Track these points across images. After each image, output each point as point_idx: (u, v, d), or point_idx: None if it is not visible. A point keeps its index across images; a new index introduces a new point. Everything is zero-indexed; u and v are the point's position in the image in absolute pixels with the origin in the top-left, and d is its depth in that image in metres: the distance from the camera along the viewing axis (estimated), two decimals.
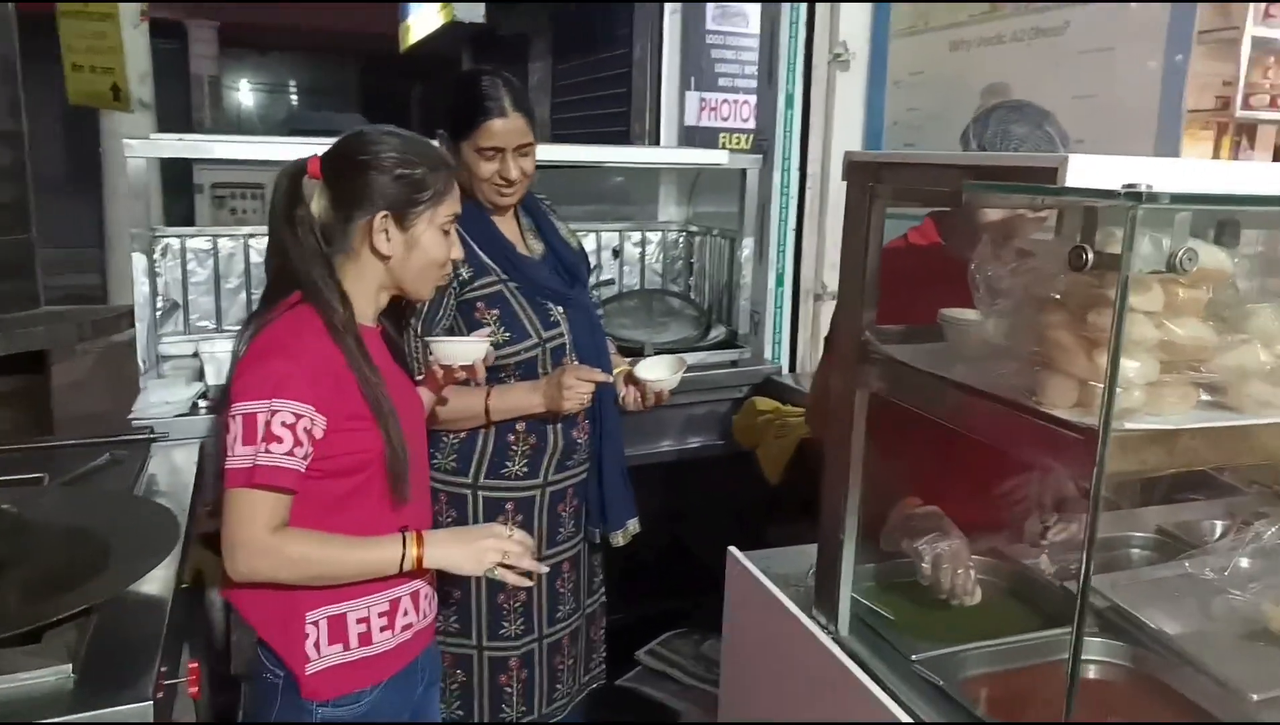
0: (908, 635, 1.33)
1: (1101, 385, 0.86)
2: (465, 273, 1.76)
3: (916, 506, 1.51)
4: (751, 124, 4.62)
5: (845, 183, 1.22)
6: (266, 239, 2.80)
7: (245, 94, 11.01)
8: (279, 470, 1.28)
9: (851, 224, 1.21)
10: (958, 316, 1.13)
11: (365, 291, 1.43)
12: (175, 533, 1.43)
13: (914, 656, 1.26)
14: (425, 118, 8.77)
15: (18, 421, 2.97)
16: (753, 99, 4.62)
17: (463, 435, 1.81)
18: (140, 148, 2.28)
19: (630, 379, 1.82)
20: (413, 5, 7.02)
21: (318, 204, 1.40)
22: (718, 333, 3.01)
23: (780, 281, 3.29)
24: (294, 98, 10.76)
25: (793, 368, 3.29)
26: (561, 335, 1.84)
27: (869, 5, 3.19)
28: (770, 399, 2.80)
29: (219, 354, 2.51)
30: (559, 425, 1.84)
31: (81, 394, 3.52)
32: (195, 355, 2.62)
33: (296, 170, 1.40)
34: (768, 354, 3.19)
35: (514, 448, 1.82)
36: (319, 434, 1.31)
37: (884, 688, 1.20)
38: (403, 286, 1.45)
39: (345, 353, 1.35)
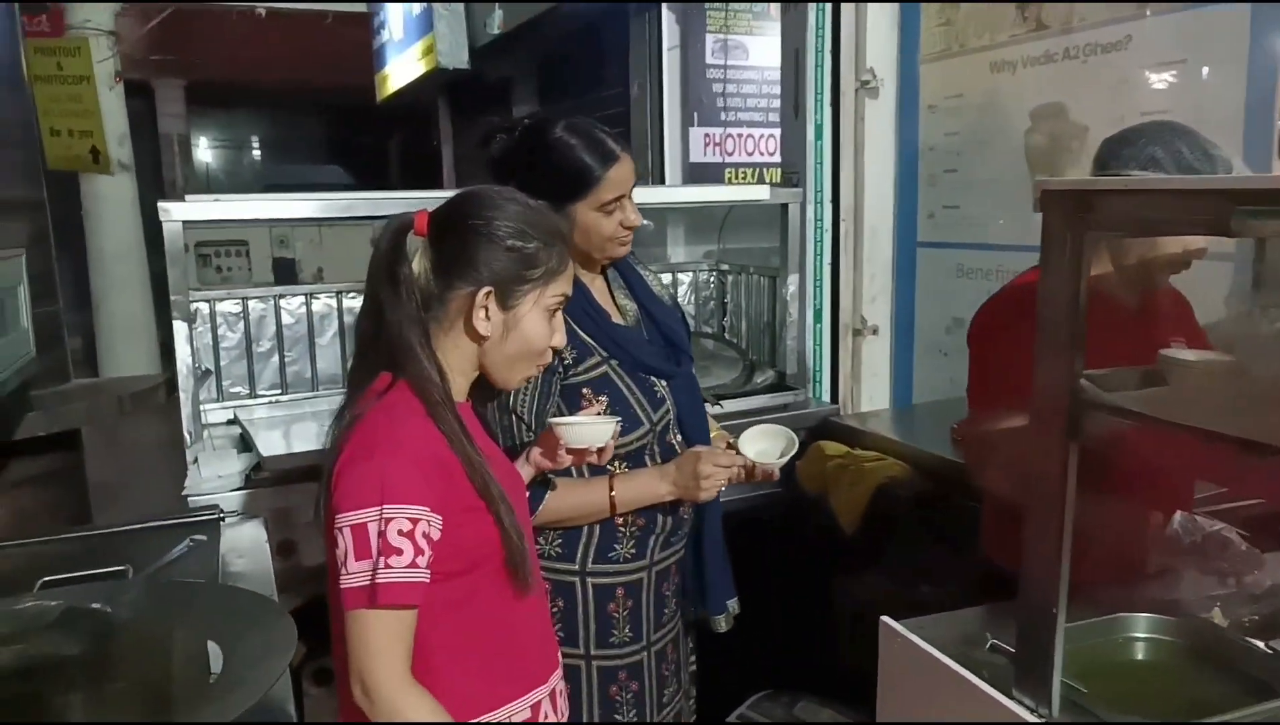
0: (1101, 706, 1.19)
1: None
2: (569, 356, 1.59)
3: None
4: (759, 157, 4.54)
5: (1042, 214, 1.09)
6: (300, 298, 2.79)
7: (208, 151, 10.79)
8: (403, 587, 1.11)
9: (1053, 260, 1.08)
10: (1198, 359, 1.00)
11: (459, 366, 1.28)
12: (290, 631, 1.24)
13: None
14: (404, 167, 8.62)
15: (55, 503, 2.77)
16: (758, 132, 4.55)
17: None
18: (177, 211, 2.12)
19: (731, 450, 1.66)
20: (390, 54, 6.89)
21: (419, 265, 1.25)
22: (765, 376, 2.87)
23: (819, 318, 3.18)
24: (256, 153, 10.56)
25: (834, 403, 3.17)
26: (667, 413, 1.68)
27: (894, 29, 3.12)
28: (835, 442, 2.66)
29: (257, 420, 2.49)
30: (667, 502, 1.68)
31: (107, 468, 3.30)
32: (233, 421, 2.53)
33: (401, 225, 1.24)
34: (810, 393, 3.06)
35: (622, 530, 1.66)
36: (436, 535, 1.15)
37: None
38: (491, 372, 1.30)
39: (447, 434, 1.19)
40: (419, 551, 1.11)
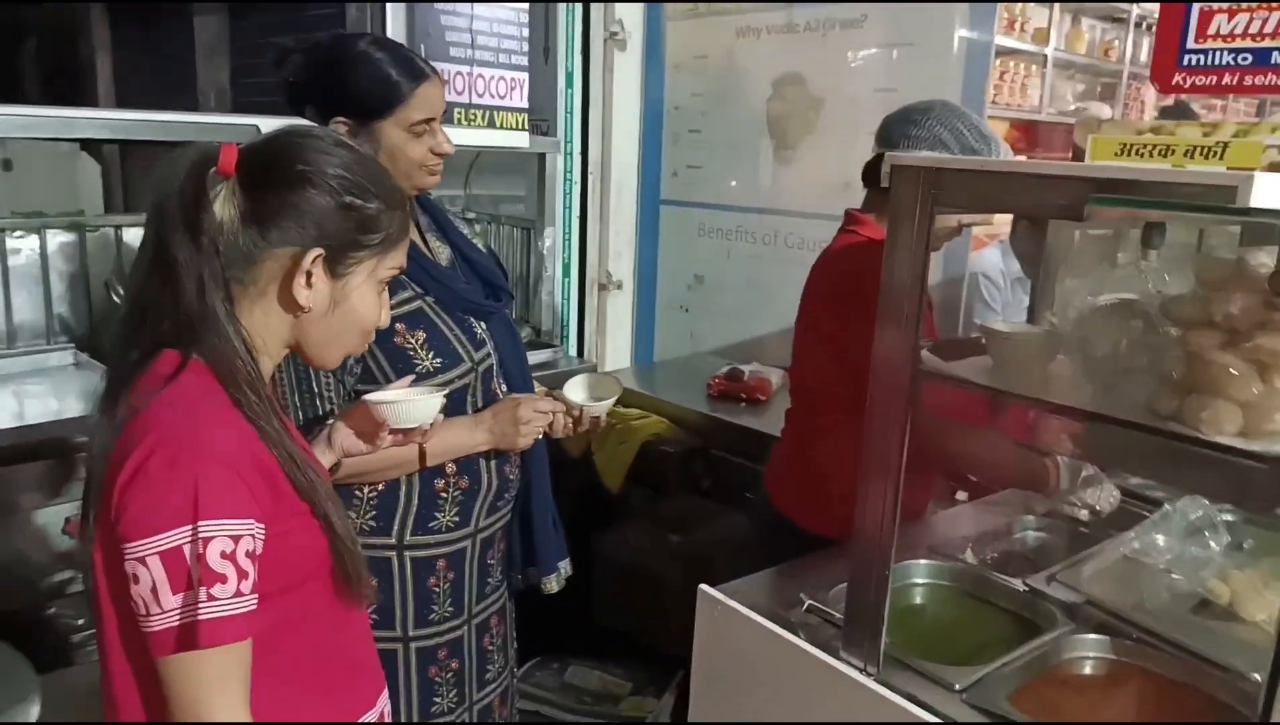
0: (908, 655, 1.28)
1: None
2: None
3: None
4: (489, 100, 4.36)
5: (891, 188, 1.10)
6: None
7: None
8: (231, 621, 0.89)
9: (901, 234, 1.10)
10: (1023, 331, 1.07)
11: (266, 343, 1.04)
12: (30, 679, 0.97)
13: (958, 685, 1.21)
14: (46, 80, 7.26)
15: None
16: (489, 73, 4.36)
17: (381, 487, 1.46)
18: None
19: (558, 402, 1.57)
20: None
21: (221, 211, 0.98)
22: (523, 331, 2.77)
23: (567, 271, 3.13)
24: None
25: (581, 357, 3.16)
26: (489, 354, 1.55)
27: None
28: None
29: None
30: (494, 462, 1.55)
31: None
32: None
33: (202, 158, 0.97)
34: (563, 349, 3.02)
35: (444, 494, 1.50)
36: (260, 549, 0.94)
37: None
38: (306, 349, 1.07)
39: (260, 426, 0.97)
40: (243, 575, 0.90)
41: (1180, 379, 0.92)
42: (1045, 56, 3.64)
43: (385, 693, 1.17)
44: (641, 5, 3.10)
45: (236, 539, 0.90)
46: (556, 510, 1.71)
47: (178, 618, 0.88)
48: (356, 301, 1.05)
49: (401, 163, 1.45)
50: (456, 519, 1.53)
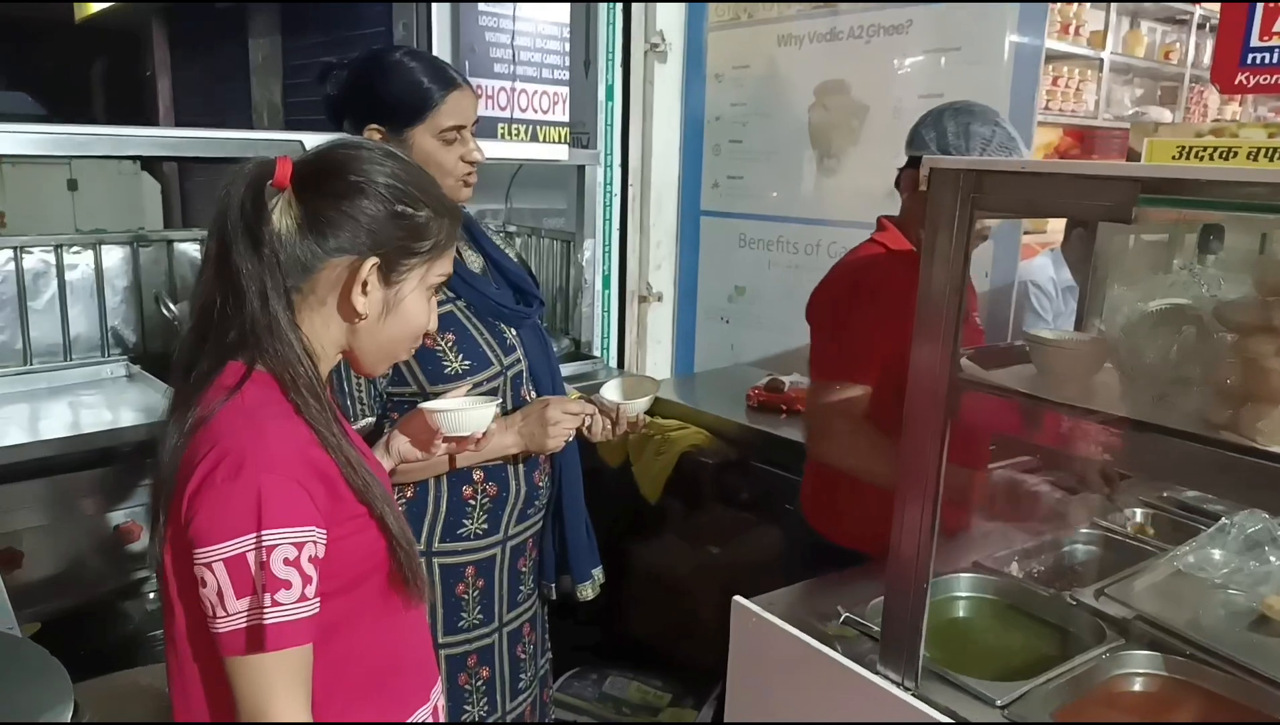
0: (955, 672, 1.25)
1: None
2: None
3: None
4: (532, 114, 4.41)
5: (929, 193, 1.08)
6: (7, 252, 2.30)
7: None
8: (295, 625, 0.91)
9: (939, 239, 1.07)
10: (1068, 339, 1.04)
11: (324, 350, 1.07)
12: (64, 682, 0.99)
13: (999, 702, 1.18)
14: (110, 99, 7.51)
15: None
16: (533, 88, 4.40)
17: (410, 493, 1.48)
18: None
19: (595, 405, 1.57)
20: None
21: (280, 223, 1.01)
22: (562, 344, 2.78)
23: (607, 284, 3.13)
24: None
25: (621, 368, 3.16)
26: (519, 360, 1.56)
27: None
28: None
29: None
30: (521, 468, 1.55)
31: None
32: None
33: (260, 173, 1.00)
34: (602, 361, 3.02)
35: (472, 502, 1.51)
36: (322, 554, 0.96)
37: None
38: (359, 356, 1.10)
39: (320, 432, 0.99)
40: (307, 580, 0.92)
41: (1235, 387, 0.88)
42: (1101, 61, 3.56)
43: (439, 685, 1.19)
44: (682, 16, 3.10)
45: (300, 546, 0.93)
46: (590, 518, 1.70)
47: (245, 620, 0.91)
48: (409, 307, 1.08)
49: (433, 171, 1.45)
50: (485, 526, 1.53)
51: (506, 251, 1.66)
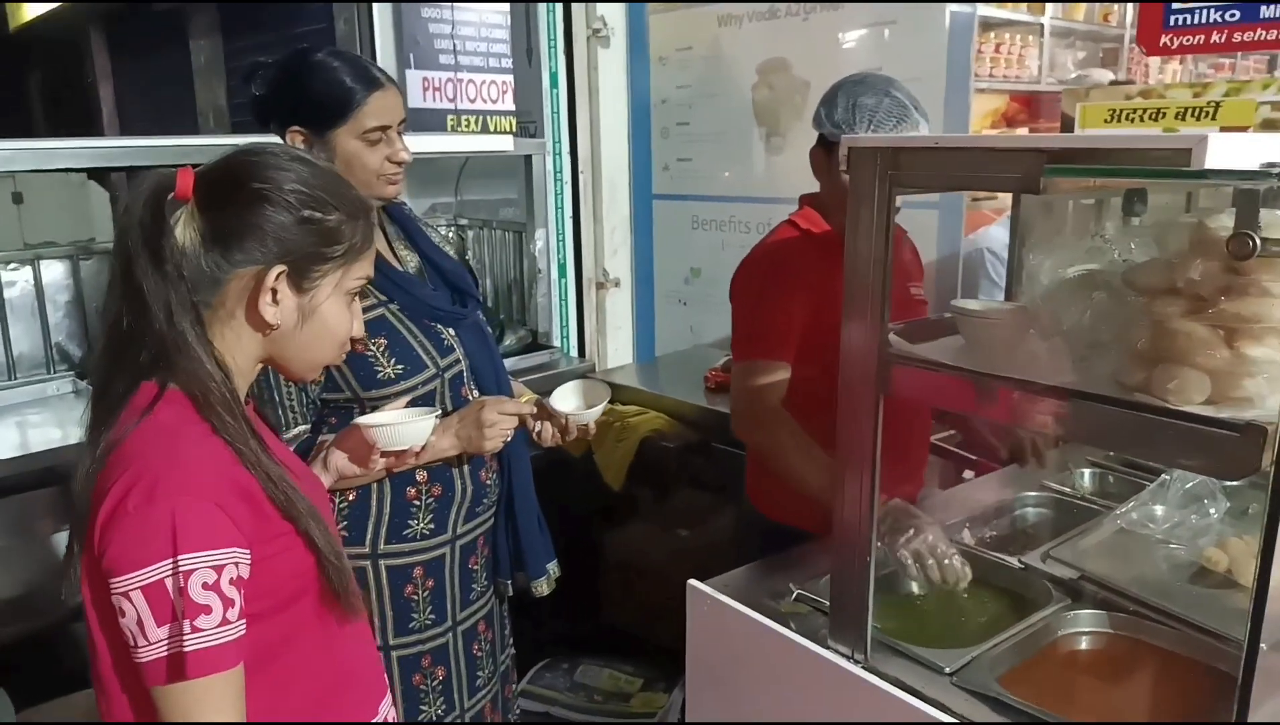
0: (899, 640, 1.27)
1: (1248, 377, 0.81)
2: None
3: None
4: (481, 104, 4.37)
5: (849, 171, 1.09)
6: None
7: None
8: (217, 650, 0.89)
9: (861, 217, 1.08)
10: (992, 309, 1.05)
11: (240, 364, 1.04)
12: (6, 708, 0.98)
13: (947, 669, 1.20)
14: (51, 109, 7.34)
15: None
16: (480, 77, 4.37)
17: (352, 497, 1.47)
18: None
19: (544, 411, 1.57)
20: None
21: (183, 236, 0.99)
22: (519, 334, 2.77)
23: (563, 272, 3.13)
24: None
25: (581, 357, 3.16)
26: (458, 361, 1.55)
27: None
28: None
29: None
30: (466, 468, 1.55)
31: None
32: None
33: (159, 186, 0.97)
34: (561, 350, 3.02)
35: (416, 503, 1.51)
36: (246, 574, 0.94)
37: (941, 708, 1.12)
38: (284, 365, 1.08)
39: (238, 448, 0.97)
40: (228, 603, 0.90)
41: (1146, 349, 0.90)
42: (1041, 25, 3.59)
43: (387, 698, 1.18)
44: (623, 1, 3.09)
45: (219, 569, 0.90)
46: (542, 512, 1.70)
47: (165, 649, 0.89)
48: (326, 314, 1.05)
49: (358, 172, 1.45)
50: (432, 527, 1.53)
51: (446, 249, 1.65)
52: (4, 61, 6.85)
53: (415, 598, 1.53)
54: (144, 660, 0.89)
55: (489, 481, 1.60)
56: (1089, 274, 1.00)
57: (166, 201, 0.97)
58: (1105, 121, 1.96)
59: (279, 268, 1.00)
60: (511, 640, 1.79)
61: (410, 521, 1.51)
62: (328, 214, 1.02)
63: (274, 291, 1.00)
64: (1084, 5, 3.98)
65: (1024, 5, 3.48)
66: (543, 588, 1.69)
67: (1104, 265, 1.00)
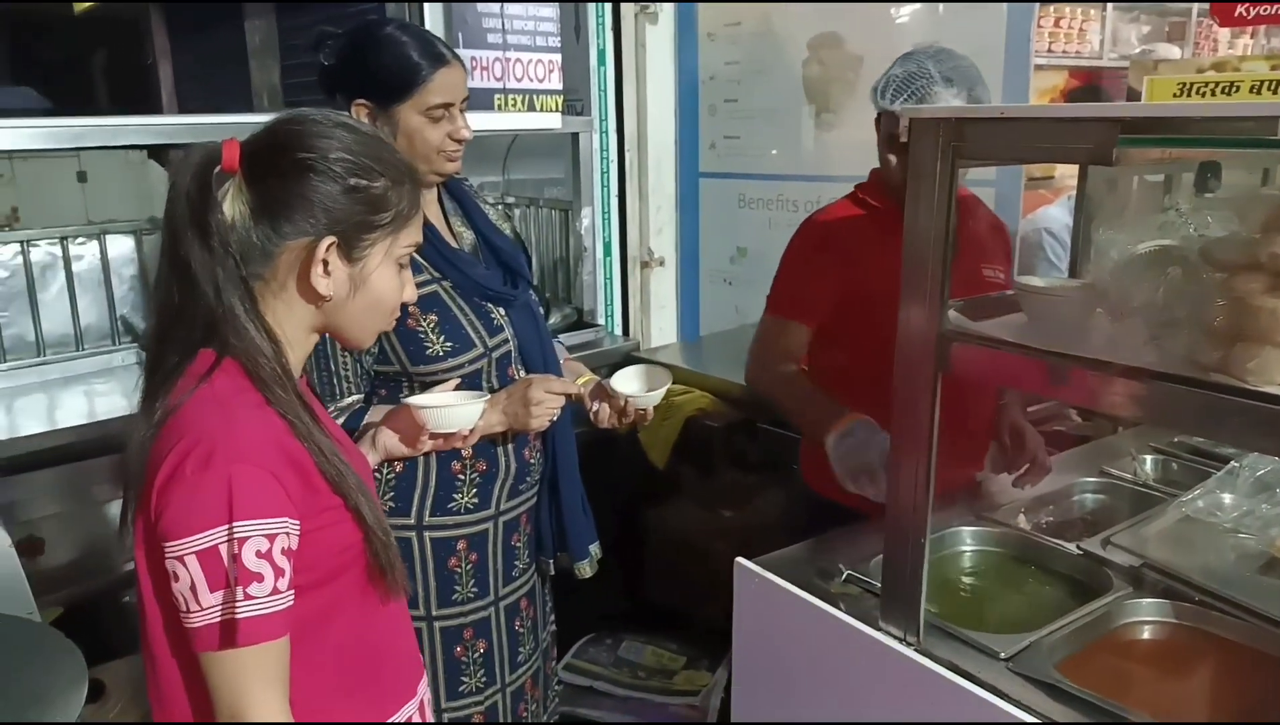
0: (957, 625, 1.24)
1: None
2: None
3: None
4: (528, 83, 4.37)
5: (910, 144, 1.06)
6: (14, 247, 2.32)
7: None
8: (268, 619, 0.90)
9: (922, 190, 1.05)
10: (1057, 285, 1.02)
11: (293, 335, 1.04)
12: (79, 667, 1.01)
13: (1003, 654, 1.17)
14: (113, 88, 7.50)
15: None
16: (528, 56, 4.37)
17: (399, 468, 1.49)
18: None
19: (603, 392, 1.56)
20: None
21: (231, 209, 0.98)
22: (564, 312, 2.77)
23: (608, 250, 3.12)
24: None
25: (626, 336, 3.15)
26: (506, 341, 1.56)
27: None
28: None
29: None
30: (510, 446, 1.56)
31: None
32: None
33: (206, 159, 0.97)
34: (606, 328, 3.01)
35: (461, 477, 1.52)
36: (295, 545, 0.95)
37: (997, 693, 1.10)
38: (340, 332, 1.08)
39: (290, 420, 0.97)
40: (279, 572, 0.91)
41: (1224, 327, 0.86)
42: None
43: (424, 680, 1.18)
44: None
45: (272, 538, 0.91)
46: (586, 493, 1.70)
47: (218, 614, 0.90)
48: (376, 282, 1.05)
49: (419, 147, 1.46)
50: (476, 501, 1.54)
51: (502, 228, 1.65)
52: (69, 43, 7.01)
53: (459, 570, 1.54)
54: (195, 626, 0.90)
55: (533, 460, 1.61)
56: (1162, 250, 0.96)
57: (214, 174, 0.97)
58: (1175, 96, 1.89)
59: (330, 239, 0.99)
60: (553, 617, 1.80)
61: (455, 495, 1.52)
62: (374, 181, 1.01)
63: (325, 262, 1.00)
64: None
65: None
66: (585, 569, 1.70)
67: (1178, 241, 0.97)
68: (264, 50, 5.51)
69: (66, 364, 2.41)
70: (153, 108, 6.74)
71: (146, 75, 6.68)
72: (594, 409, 1.55)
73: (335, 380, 1.42)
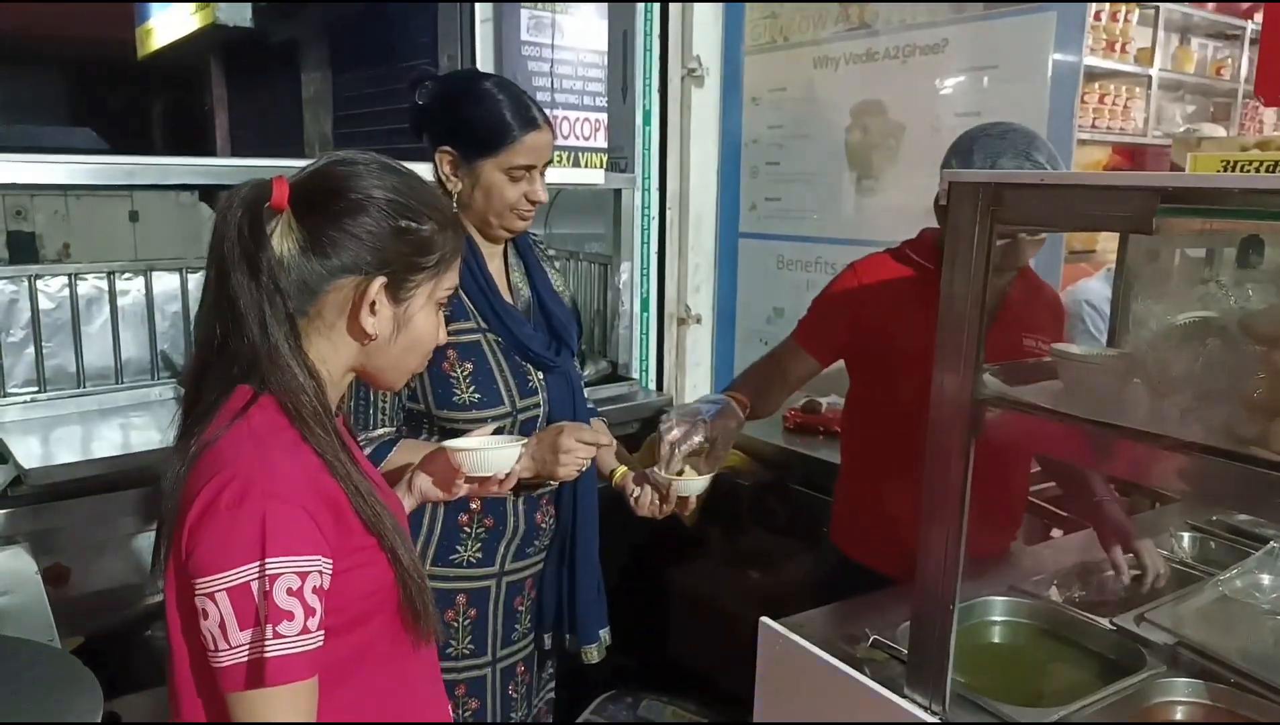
0: (988, 698, 1.21)
1: None
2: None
3: None
4: (574, 141, 4.47)
5: (949, 207, 1.07)
6: (61, 279, 2.39)
7: None
8: (297, 659, 0.89)
9: (959, 253, 1.06)
10: (1095, 353, 1.01)
11: (333, 374, 1.04)
12: (95, 694, 1.01)
13: None
14: (170, 133, 7.76)
15: None
16: (574, 115, 4.47)
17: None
18: None
19: (645, 478, 1.55)
20: (155, 6, 6.13)
21: (280, 246, 0.98)
22: (599, 366, 2.79)
23: (645, 306, 3.14)
24: None
25: (660, 391, 3.15)
26: (538, 406, 1.55)
27: (719, 19, 3.12)
28: None
29: (9, 424, 2.16)
30: (521, 506, 1.54)
31: None
32: None
33: (257, 196, 0.98)
34: (639, 383, 3.02)
35: (466, 530, 1.51)
36: (327, 584, 0.94)
37: None
38: (376, 375, 1.08)
39: (328, 459, 0.97)
40: (310, 612, 0.89)
41: (1264, 400, 0.85)
42: (1150, 77, 3.50)
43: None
44: (719, 41, 3.12)
45: (304, 576, 0.89)
46: (602, 575, 1.66)
47: (246, 654, 0.88)
48: (418, 324, 1.05)
49: (495, 202, 1.48)
50: (479, 556, 1.52)
51: (562, 295, 1.66)
52: (131, 87, 7.29)
53: (455, 624, 1.52)
54: (223, 665, 0.88)
55: (544, 524, 1.59)
56: (1202, 321, 0.95)
57: (264, 210, 0.98)
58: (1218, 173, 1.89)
59: (381, 279, 1.00)
60: (553, 685, 1.76)
61: (458, 547, 1.51)
62: (422, 223, 1.03)
63: (373, 302, 1.00)
64: (1195, 57, 3.87)
65: (1131, 55, 3.40)
66: (592, 654, 1.64)
67: (1218, 312, 0.96)
68: (317, 101, 5.70)
69: (105, 396, 2.46)
70: (208, 153, 6.97)
71: (203, 121, 6.93)
72: (635, 494, 1.54)
73: (371, 411, 1.43)
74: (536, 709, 1.72)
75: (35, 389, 2.37)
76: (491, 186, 1.47)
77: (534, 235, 1.68)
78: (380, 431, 1.44)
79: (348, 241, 0.99)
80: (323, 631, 0.92)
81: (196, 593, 0.89)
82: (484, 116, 1.47)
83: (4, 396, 2.31)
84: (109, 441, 2.23)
